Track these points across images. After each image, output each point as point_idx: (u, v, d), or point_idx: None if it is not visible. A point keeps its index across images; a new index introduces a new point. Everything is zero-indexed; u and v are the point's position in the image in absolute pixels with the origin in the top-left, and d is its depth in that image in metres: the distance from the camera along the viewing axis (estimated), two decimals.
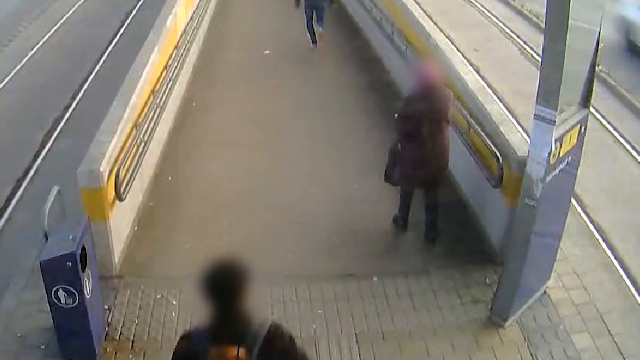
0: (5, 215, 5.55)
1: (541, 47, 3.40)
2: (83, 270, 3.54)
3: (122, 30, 9.77)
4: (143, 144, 5.06)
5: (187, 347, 2.28)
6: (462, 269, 4.51)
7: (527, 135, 5.00)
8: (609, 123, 7.10)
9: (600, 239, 5.26)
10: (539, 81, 3.47)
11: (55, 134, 6.81)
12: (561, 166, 3.76)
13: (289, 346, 2.32)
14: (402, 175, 4.44)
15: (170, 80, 6.20)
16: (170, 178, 5.62)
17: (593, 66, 3.80)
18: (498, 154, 4.43)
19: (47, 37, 9.48)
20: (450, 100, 4.38)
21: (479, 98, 5.07)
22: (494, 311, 4.11)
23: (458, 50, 6.64)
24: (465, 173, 5.32)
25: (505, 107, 6.88)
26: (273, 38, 8.87)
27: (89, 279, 3.63)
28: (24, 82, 8.08)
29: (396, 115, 4.43)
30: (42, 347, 3.79)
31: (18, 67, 8.40)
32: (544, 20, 3.38)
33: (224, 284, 2.19)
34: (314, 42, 8.39)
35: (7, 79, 8.06)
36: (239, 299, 2.22)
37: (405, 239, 4.86)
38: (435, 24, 6.99)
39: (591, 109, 4.00)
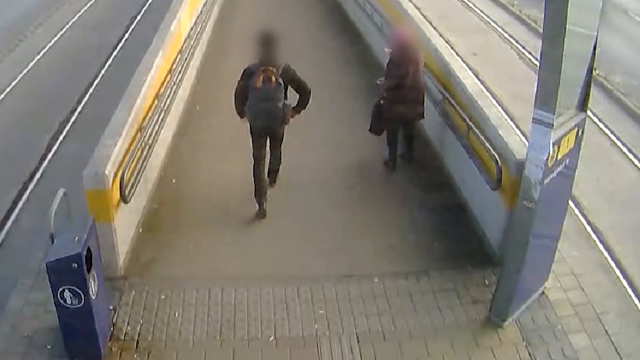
0: (12, 218, 5.61)
1: (539, 51, 3.46)
2: (89, 272, 3.59)
3: (127, 35, 9.84)
4: (147, 147, 5.11)
5: (247, 71, 4.64)
6: (461, 270, 4.56)
7: (526, 138, 5.07)
8: (606, 126, 7.16)
9: (597, 241, 5.33)
10: (537, 85, 3.52)
11: (61, 137, 6.87)
12: (559, 169, 3.81)
13: (293, 73, 4.76)
14: (389, 118, 5.52)
15: (174, 84, 6.25)
16: (174, 181, 5.67)
17: (590, 70, 3.85)
18: (497, 157, 4.49)
19: (53, 41, 9.54)
20: (422, 58, 5.46)
21: (478, 102, 5.13)
22: (493, 311, 4.15)
23: (457, 54, 6.69)
24: (465, 176, 5.38)
25: (504, 110, 6.94)
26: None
27: (94, 280, 3.68)
28: (30, 86, 8.14)
29: (377, 82, 5.60)
30: (49, 347, 3.84)
31: (25, 71, 8.46)
32: (542, 25, 3.44)
33: (268, 36, 4.63)
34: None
35: (14, 83, 8.12)
36: (274, 46, 4.63)
37: (406, 241, 4.91)
38: (435, 28, 7.06)
39: (588, 112, 4.06)
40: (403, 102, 5.36)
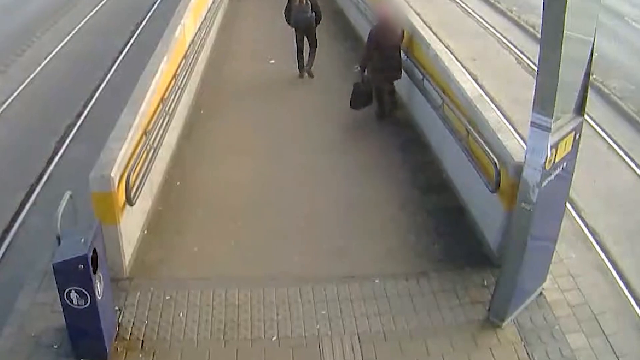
0: (20, 220, 5.68)
1: (537, 56, 3.52)
2: (94, 273, 3.65)
3: (132, 41, 9.93)
4: (152, 151, 5.18)
5: (290, 1, 7.73)
6: (460, 271, 4.61)
7: (524, 141, 5.14)
8: (602, 130, 7.21)
9: (594, 242, 5.38)
10: (535, 89, 3.58)
11: (67, 141, 6.95)
12: (557, 172, 3.86)
13: (316, 4, 7.74)
14: (374, 79, 6.65)
15: (178, 88, 6.33)
16: (178, 183, 5.75)
17: (587, 75, 3.91)
18: (496, 160, 4.55)
19: (60, 46, 9.64)
20: (399, 32, 6.63)
21: (477, 106, 5.20)
22: (491, 312, 4.21)
23: (457, 59, 6.78)
24: (464, 178, 5.44)
25: (503, 114, 7.01)
26: (278, 48, 9.01)
27: (100, 281, 3.74)
28: (37, 90, 8.23)
29: (355, 68, 6.80)
30: (55, 346, 3.90)
31: (32, 76, 8.55)
32: (540, 31, 3.50)
33: None
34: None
35: (21, 87, 8.21)
36: None
37: (406, 242, 4.98)
38: (435, 34, 7.14)
39: (586, 116, 4.10)
40: (383, 67, 6.54)
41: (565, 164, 3.95)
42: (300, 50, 7.91)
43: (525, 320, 4.20)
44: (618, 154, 6.82)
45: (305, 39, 7.86)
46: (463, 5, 11.94)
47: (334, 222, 5.19)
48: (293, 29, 7.85)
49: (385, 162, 6.13)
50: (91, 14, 11.20)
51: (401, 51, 6.60)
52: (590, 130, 6.93)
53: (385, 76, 6.60)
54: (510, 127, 6.33)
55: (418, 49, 6.78)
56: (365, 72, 6.59)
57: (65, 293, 3.61)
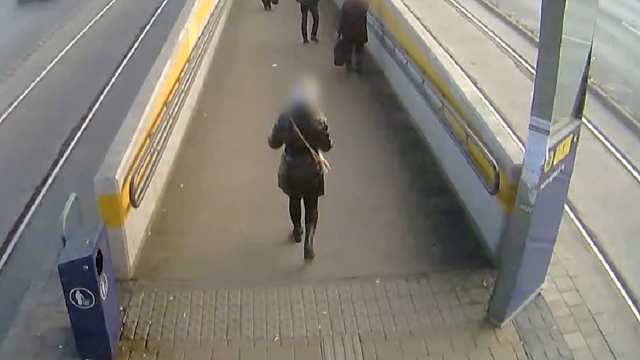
0: (25, 221, 5.74)
1: (536, 60, 3.57)
2: (99, 273, 3.69)
3: (136, 45, 10.02)
4: (156, 153, 5.24)
5: None
6: (460, 272, 4.65)
7: (523, 144, 5.20)
8: (600, 133, 7.27)
9: (592, 244, 5.43)
10: (534, 93, 3.62)
11: (72, 144, 7.02)
12: (555, 174, 3.90)
13: None
14: (343, 40, 8.26)
15: (182, 92, 6.39)
16: (182, 185, 5.80)
17: (585, 78, 3.95)
18: (495, 162, 4.59)
19: (65, 51, 9.73)
20: (365, 8, 8.22)
21: (477, 109, 5.25)
22: (490, 312, 4.25)
23: (457, 63, 6.83)
24: (464, 181, 5.49)
25: (502, 117, 7.06)
26: (280, 52, 9.10)
27: (104, 282, 3.79)
28: (43, 93, 8.31)
29: (336, 34, 8.28)
30: (60, 346, 3.94)
31: (37, 80, 8.64)
32: (539, 35, 3.55)
33: None
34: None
35: (27, 91, 8.30)
36: None
37: (406, 244, 5.02)
38: (434, 38, 7.19)
39: (583, 119, 4.15)
40: (351, 32, 8.13)
41: (563, 166, 3.99)
42: (304, 21, 9.44)
43: (523, 320, 4.23)
44: (615, 156, 6.87)
45: (310, 14, 9.45)
46: (462, 9, 12.03)
47: (335, 223, 5.24)
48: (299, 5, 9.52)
49: (385, 165, 6.19)
50: (96, 18, 11.29)
51: (366, 20, 8.29)
52: (587, 133, 6.99)
53: (352, 39, 8.18)
54: (509, 130, 6.42)
55: (418, 52, 6.85)
56: (341, 36, 8.12)
57: (70, 294, 3.65)
